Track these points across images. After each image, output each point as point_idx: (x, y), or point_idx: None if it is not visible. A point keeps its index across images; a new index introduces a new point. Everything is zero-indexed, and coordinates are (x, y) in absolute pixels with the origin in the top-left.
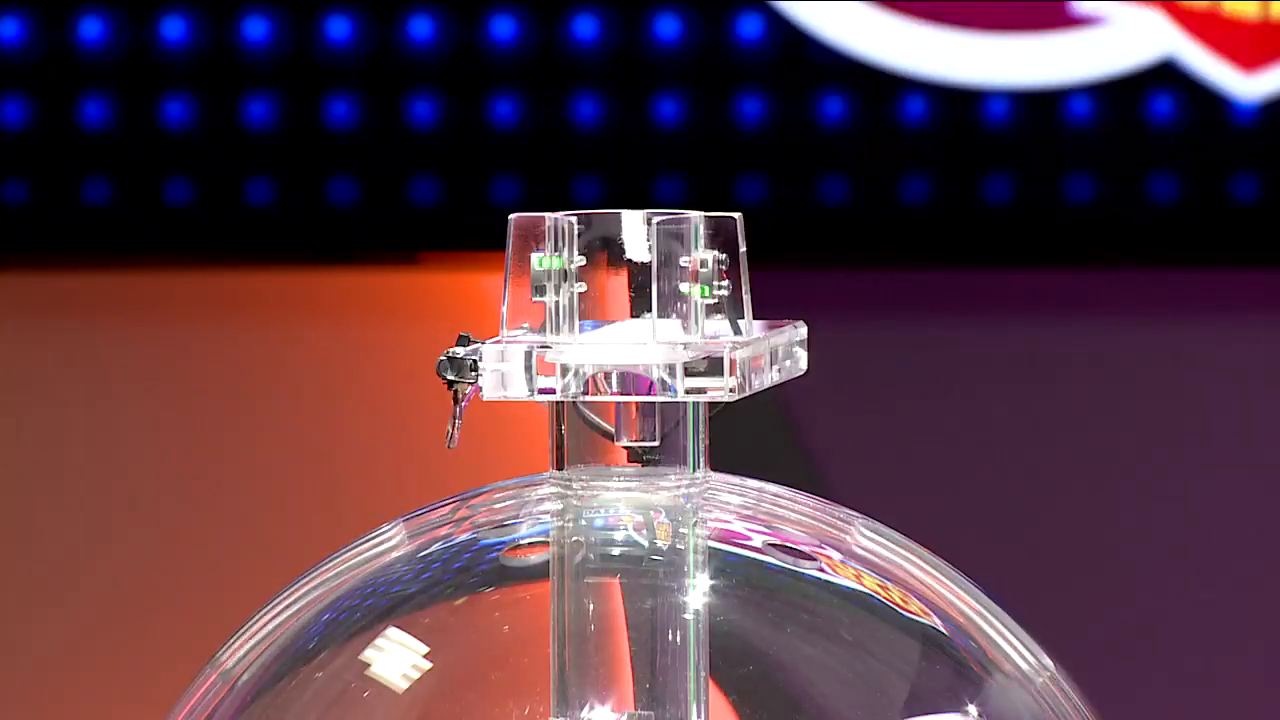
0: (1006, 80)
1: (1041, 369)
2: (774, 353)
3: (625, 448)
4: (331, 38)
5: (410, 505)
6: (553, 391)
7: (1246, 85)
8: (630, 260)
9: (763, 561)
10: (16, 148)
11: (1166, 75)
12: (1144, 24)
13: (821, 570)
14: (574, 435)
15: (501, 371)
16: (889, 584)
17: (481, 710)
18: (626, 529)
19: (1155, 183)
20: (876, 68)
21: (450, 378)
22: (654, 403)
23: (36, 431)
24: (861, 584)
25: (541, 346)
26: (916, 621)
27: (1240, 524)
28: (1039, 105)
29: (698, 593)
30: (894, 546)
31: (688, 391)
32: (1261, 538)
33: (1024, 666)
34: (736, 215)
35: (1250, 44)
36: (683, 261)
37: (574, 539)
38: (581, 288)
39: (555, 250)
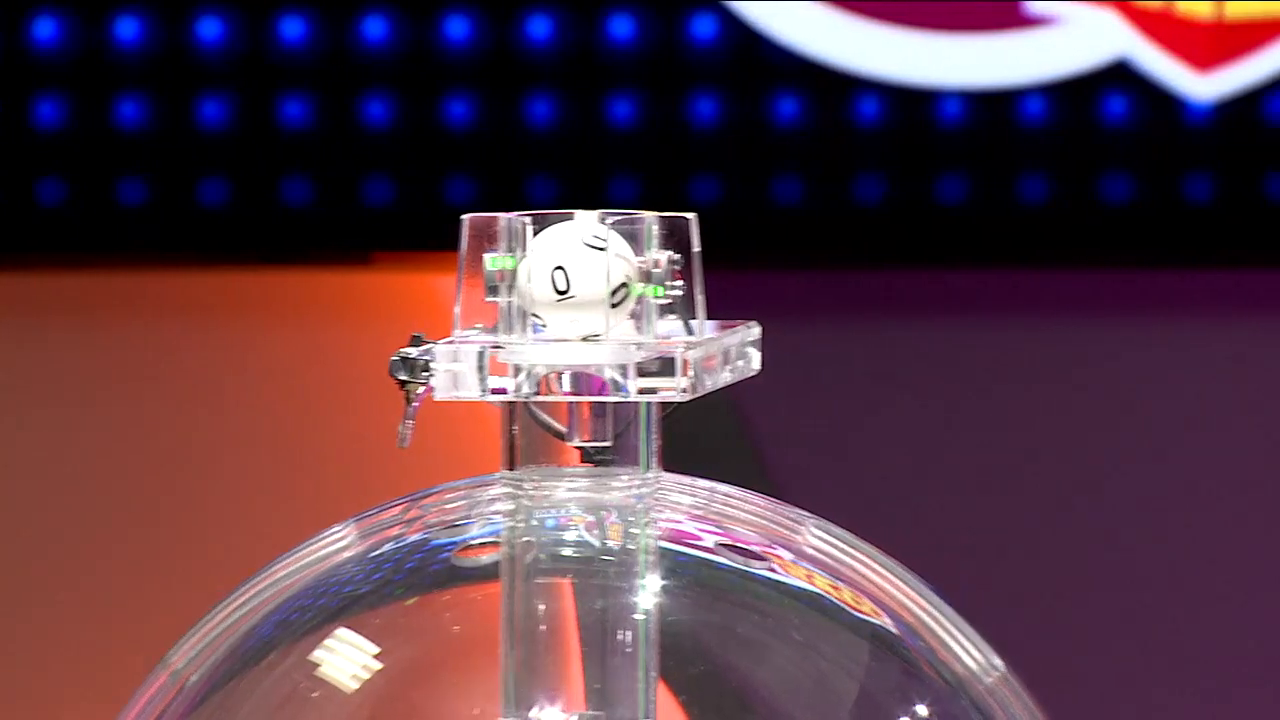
0: (960, 80)
1: (994, 368)
2: (726, 353)
3: (577, 448)
4: (285, 38)
5: (362, 505)
6: (504, 391)
7: (1200, 85)
8: None
9: (713, 562)
10: None
11: (1120, 75)
12: (1098, 24)
13: (772, 570)
14: (526, 435)
15: (454, 371)
16: (840, 584)
17: (431, 710)
18: (578, 529)
19: (1109, 183)
20: (830, 68)
21: (402, 378)
22: (606, 403)
23: None
24: (813, 584)
25: (494, 346)
26: (867, 622)
27: (1189, 521)
28: (993, 105)
29: (648, 593)
30: (845, 546)
31: (640, 391)
32: (1208, 534)
33: (973, 666)
34: (690, 215)
35: (1204, 44)
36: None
37: (525, 539)
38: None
39: (509, 250)
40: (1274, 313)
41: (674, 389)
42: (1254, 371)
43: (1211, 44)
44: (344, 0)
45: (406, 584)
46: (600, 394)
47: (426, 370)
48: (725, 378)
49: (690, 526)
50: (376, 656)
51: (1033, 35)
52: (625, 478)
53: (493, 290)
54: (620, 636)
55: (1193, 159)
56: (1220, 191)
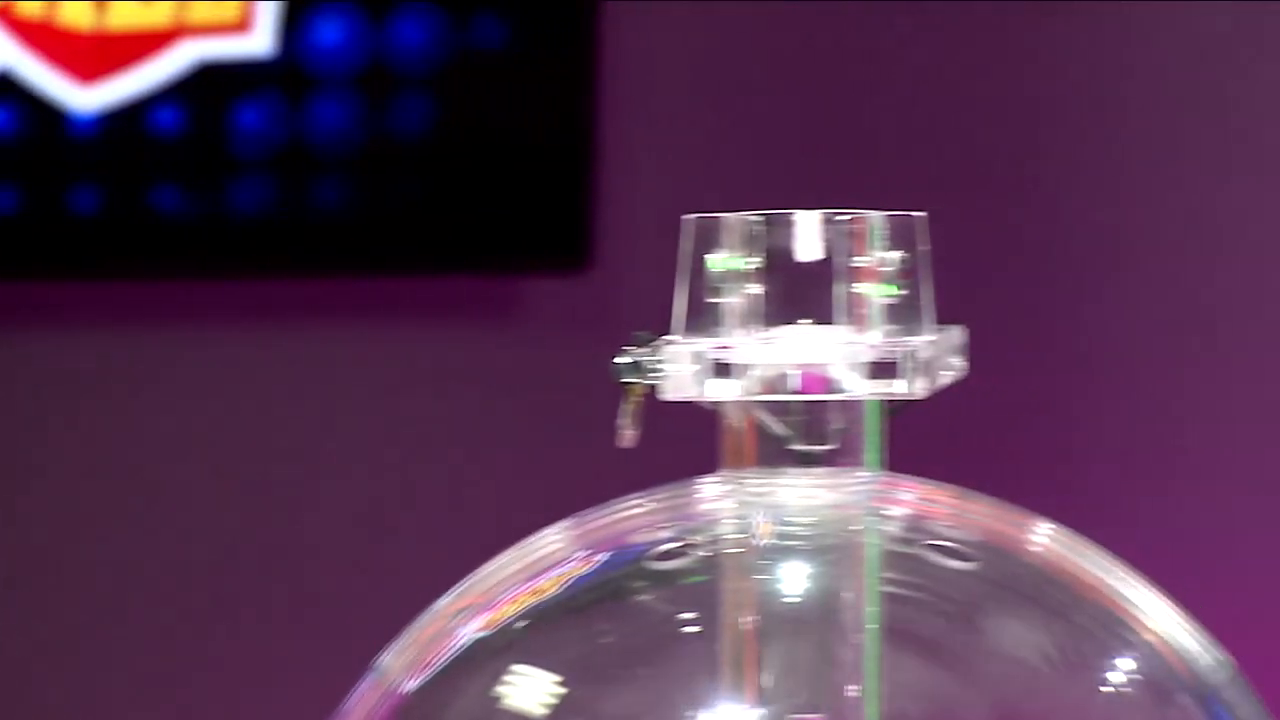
0: None
1: None
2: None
3: (800, 448)
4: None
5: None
6: (730, 392)
7: (83, 97)
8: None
9: (943, 563)
10: None
11: (3, 87)
12: None
13: (1004, 570)
14: (751, 436)
15: (679, 372)
16: (1073, 587)
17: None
18: (801, 528)
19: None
20: None
21: (628, 378)
22: (832, 402)
23: None
24: (1044, 585)
25: (720, 347)
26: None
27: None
28: None
29: (876, 592)
30: (1078, 548)
31: (869, 391)
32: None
33: (1209, 663)
34: (921, 214)
35: (87, 55)
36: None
37: (746, 539)
38: (758, 289)
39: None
40: (154, 322)
41: (905, 389)
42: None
43: (94, 55)
44: None
45: (623, 587)
46: (826, 393)
47: (654, 371)
48: (946, 377)
49: (916, 524)
50: (589, 659)
51: None
52: (850, 477)
53: (717, 291)
54: (848, 635)
55: (78, 170)
56: (106, 202)
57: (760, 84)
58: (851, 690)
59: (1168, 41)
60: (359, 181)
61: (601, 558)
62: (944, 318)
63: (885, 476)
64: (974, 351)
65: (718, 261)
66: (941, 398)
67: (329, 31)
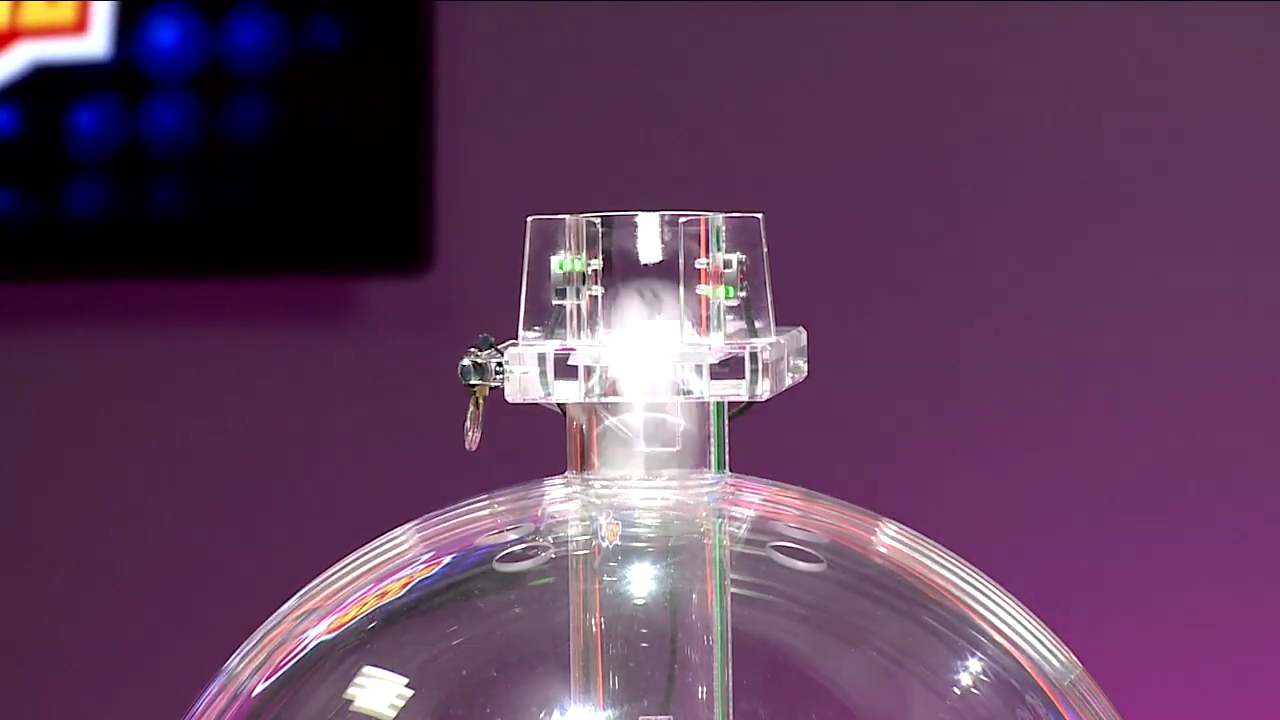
0: None
1: None
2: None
3: (645, 450)
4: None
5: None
6: (575, 394)
7: None
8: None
9: (786, 562)
10: None
11: None
12: None
13: (847, 569)
14: (594, 438)
15: (524, 374)
16: (917, 583)
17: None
18: (647, 529)
19: None
20: None
21: (473, 381)
22: (676, 404)
23: None
24: (888, 583)
25: (563, 349)
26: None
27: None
28: None
29: (720, 593)
30: (921, 547)
31: (711, 393)
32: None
33: (1057, 665)
34: (758, 215)
35: None
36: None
37: (593, 540)
38: (599, 290)
39: (574, 252)
40: None
41: (750, 390)
42: None
43: None
44: None
45: (469, 588)
46: (670, 395)
47: (497, 373)
48: (789, 379)
49: (762, 526)
50: (437, 661)
51: None
52: (696, 478)
53: (560, 293)
54: (693, 637)
55: None
56: None
57: (601, 84)
58: (700, 691)
59: (999, 41)
60: (196, 183)
61: (448, 559)
62: (784, 319)
63: (730, 478)
64: (815, 352)
65: (559, 263)
66: (785, 399)
67: (165, 33)
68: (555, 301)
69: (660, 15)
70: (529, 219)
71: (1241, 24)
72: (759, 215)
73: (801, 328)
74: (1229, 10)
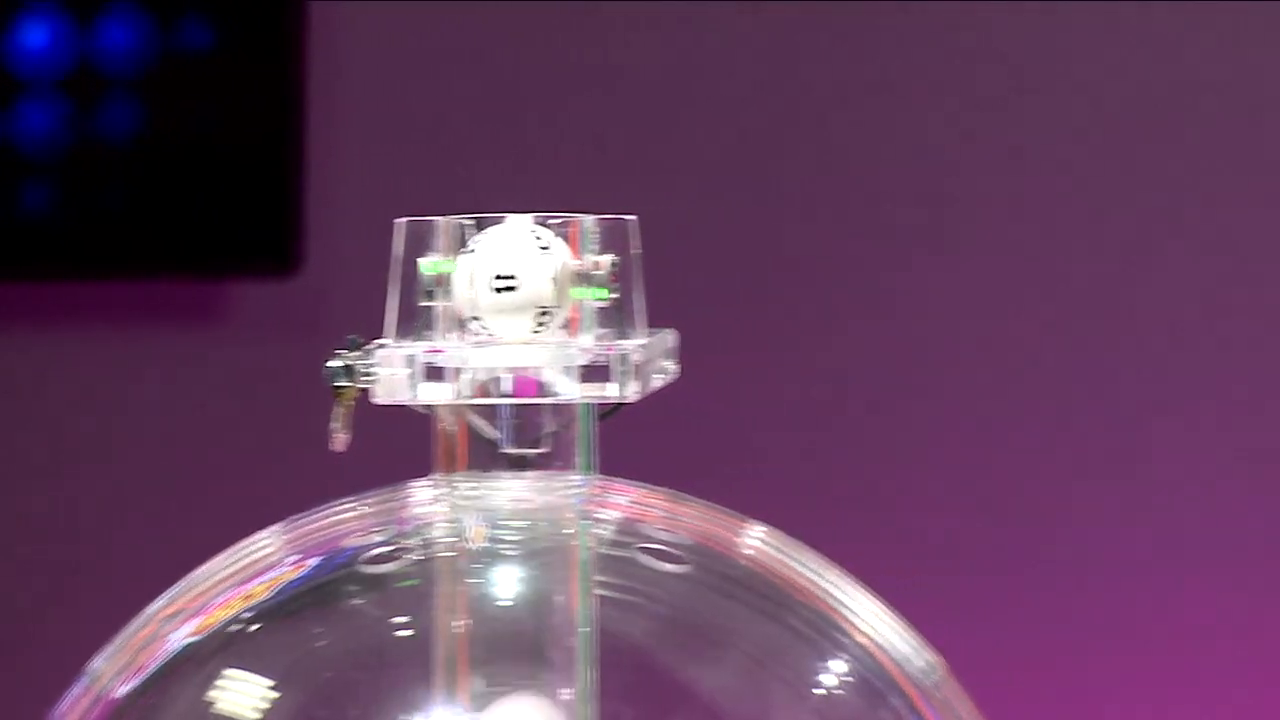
0: None
1: None
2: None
3: (512, 452)
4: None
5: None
6: (443, 396)
7: None
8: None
9: (652, 564)
10: None
11: None
12: None
13: (712, 571)
14: (461, 439)
15: (391, 375)
16: (782, 586)
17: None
18: (513, 532)
19: None
20: None
21: (340, 383)
22: (544, 405)
23: None
24: (753, 584)
25: (431, 351)
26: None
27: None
28: None
29: (587, 596)
30: (788, 551)
31: (581, 395)
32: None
33: (921, 666)
34: (632, 217)
35: None
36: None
37: (459, 542)
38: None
39: (444, 254)
40: None
41: (621, 392)
42: None
43: None
44: None
45: (335, 591)
46: (539, 397)
47: (366, 375)
48: (658, 381)
49: (629, 527)
50: (302, 664)
51: None
52: (562, 480)
53: (429, 294)
54: (558, 639)
55: None
56: None
57: (471, 85)
58: (565, 693)
59: (875, 38)
60: (66, 185)
61: (314, 562)
62: (655, 321)
63: (598, 480)
64: (686, 354)
65: (429, 264)
66: (654, 400)
67: (35, 34)
68: (424, 303)
69: (534, 17)
70: (398, 221)
71: (1241, 24)
72: (632, 217)
73: (674, 330)
74: (1229, 10)
